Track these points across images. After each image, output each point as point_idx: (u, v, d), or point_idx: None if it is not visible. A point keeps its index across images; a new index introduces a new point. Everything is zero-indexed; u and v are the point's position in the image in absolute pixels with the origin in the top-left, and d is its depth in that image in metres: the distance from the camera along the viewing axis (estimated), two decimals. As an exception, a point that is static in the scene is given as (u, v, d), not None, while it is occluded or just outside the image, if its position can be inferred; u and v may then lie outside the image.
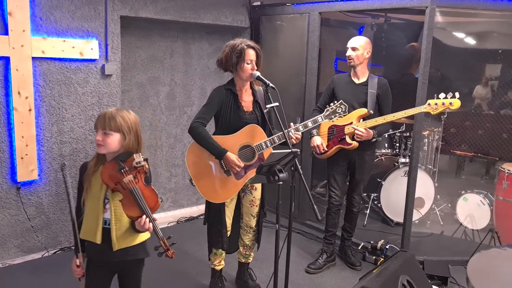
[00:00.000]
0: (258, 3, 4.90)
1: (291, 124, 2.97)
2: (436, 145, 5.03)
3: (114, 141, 2.08)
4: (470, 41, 5.75)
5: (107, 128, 2.06)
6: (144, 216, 2.01)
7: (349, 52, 3.54)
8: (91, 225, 2.11)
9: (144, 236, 2.22)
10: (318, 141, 3.57)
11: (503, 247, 2.99)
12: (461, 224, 4.54)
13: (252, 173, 2.92)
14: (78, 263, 2.17)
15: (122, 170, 2.04)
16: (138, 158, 2.07)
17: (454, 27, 5.53)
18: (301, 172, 2.59)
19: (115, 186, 2.04)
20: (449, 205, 5.00)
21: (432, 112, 3.31)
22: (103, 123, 2.06)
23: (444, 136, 5.22)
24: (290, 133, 2.89)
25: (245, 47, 2.89)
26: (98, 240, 2.09)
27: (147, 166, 2.12)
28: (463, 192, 4.62)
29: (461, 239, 4.45)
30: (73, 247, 2.28)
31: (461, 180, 5.81)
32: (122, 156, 2.09)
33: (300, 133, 2.97)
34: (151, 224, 2.02)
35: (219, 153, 2.85)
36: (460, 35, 5.64)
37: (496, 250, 2.79)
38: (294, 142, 2.90)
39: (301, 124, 2.98)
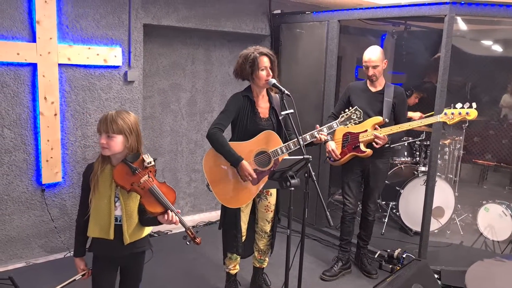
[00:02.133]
0: (279, 11, 4.96)
1: (317, 125, 3.04)
2: (458, 154, 4.96)
3: (117, 143, 2.17)
4: (495, 48, 5.67)
5: (110, 132, 2.15)
6: (169, 211, 2.15)
7: (371, 72, 3.52)
8: (103, 222, 2.21)
9: (148, 229, 2.37)
10: (333, 145, 3.58)
11: (505, 257, 2.95)
12: (481, 234, 4.46)
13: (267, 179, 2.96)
14: (83, 267, 2.34)
15: (136, 171, 2.16)
16: (148, 158, 2.20)
17: (478, 35, 5.46)
18: (314, 178, 2.62)
19: (131, 187, 2.15)
20: (470, 215, 4.92)
21: (448, 122, 3.29)
22: (105, 126, 2.15)
23: (466, 145, 5.15)
24: (315, 134, 2.95)
25: (258, 55, 2.94)
26: (112, 236, 2.20)
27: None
28: (484, 202, 4.54)
29: (480, 249, 4.37)
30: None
31: (483, 190, 5.70)
32: (130, 158, 2.20)
33: (325, 134, 3.00)
34: (176, 217, 2.16)
35: (235, 161, 2.90)
36: (484, 42, 5.57)
37: (498, 260, 2.76)
38: (318, 142, 3.00)
39: (316, 130, 3.00)
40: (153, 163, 2.20)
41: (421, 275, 2.68)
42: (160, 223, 2.24)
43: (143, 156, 2.21)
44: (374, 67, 3.51)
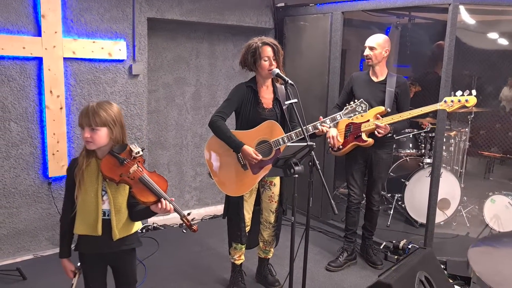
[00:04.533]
0: (282, 4, 4.96)
1: (320, 117, 3.03)
2: (463, 146, 4.94)
3: (102, 136, 2.08)
4: (500, 41, 5.63)
5: (93, 125, 2.05)
6: (163, 200, 2.09)
7: (367, 52, 3.54)
8: (90, 218, 2.12)
9: (138, 226, 2.29)
10: (333, 132, 3.49)
11: (505, 235, 2.96)
12: (487, 225, 4.44)
13: (268, 168, 2.96)
14: (72, 268, 2.24)
15: (124, 162, 2.09)
16: (135, 148, 2.12)
17: (482, 26, 5.42)
18: (318, 167, 2.61)
19: (120, 178, 2.08)
20: (476, 207, 4.90)
21: (447, 110, 3.29)
22: (88, 120, 2.06)
23: (472, 137, 5.12)
24: (318, 125, 2.94)
25: (260, 44, 2.94)
26: (99, 231, 2.12)
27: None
28: (490, 193, 4.52)
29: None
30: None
31: (489, 182, 5.68)
32: (116, 149, 2.12)
33: (328, 125, 2.99)
34: (170, 204, 2.11)
35: (236, 146, 2.92)
36: (488, 35, 5.53)
37: (497, 237, 2.76)
38: (320, 133, 2.99)
39: (319, 121, 2.99)
40: (141, 153, 2.13)
41: (426, 263, 2.67)
42: (152, 215, 2.18)
43: (130, 146, 2.13)
44: (371, 48, 3.51)
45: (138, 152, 2.13)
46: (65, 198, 2.23)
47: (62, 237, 2.24)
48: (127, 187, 2.15)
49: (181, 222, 2.19)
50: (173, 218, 4.66)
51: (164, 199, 2.10)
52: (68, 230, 2.20)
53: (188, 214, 2.22)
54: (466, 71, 5.37)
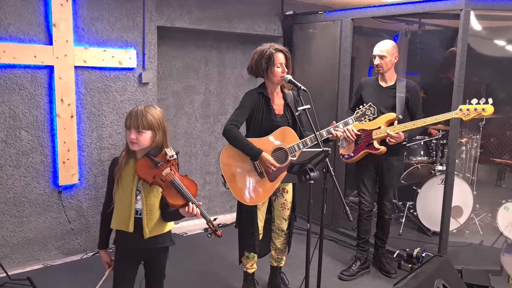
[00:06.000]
0: (291, 12, 4.96)
1: (333, 122, 3.04)
2: (475, 153, 4.89)
3: (146, 138, 2.18)
4: (508, 47, 5.59)
5: (140, 127, 2.15)
6: (190, 203, 2.15)
7: (377, 61, 3.52)
8: (124, 215, 2.23)
9: (170, 226, 2.37)
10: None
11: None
12: (501, 233, 4.37)
13: (284, 175, 2.94)
14: (108, 259, 2.37)
15: (159, 164, 2.17)
16: (170, 152, 2.21)
17: (490, 33, 5.40)
18: (333, 173, 2.59)
19: (153, 180, 2.16)
20: (489, 215, 4.83)
21: (464, 118, 3.23)
22: (136, 122, 2.15)
23: (483, 144, 5.07)
24: (332, 130, 2.94)
25: (274, 51, 2.93)
26: (131, 229, 2.22)
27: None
28: (504, 201, 4.46)
29: (501, 249, 4.28)
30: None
31: (502, 190, 5.61)
32: (153, 152, 2.21)
33: (341, 130, 3.00)
34: (197, 209, 2.17)
35: (254, 154, 2.89)
36: (497, 41, 5.50)
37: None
38: (334, 138, 2.99)
39: (332, 126, 2.99)
40: (175, 156, 2.21)
41: (443, 271, 2.63)
42: (182, 217, 2.24)
43: (165, 149, 2.22)
44: (381, 57, 3.49)
45: (172, 156, 2.21)
46: (106, 193, 2.35)
47: (101, 229, 2.38)
48: (160, 188, 2.21)
49: (206, 227, 2.27)
50: (182, 227, 4.63)
51: (192, 203, 2.16)
52: (106, 224, 2.32)
53: (215, 219, 2.29)
54: (474, 77, 5.33)
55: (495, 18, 4.68)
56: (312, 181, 2.39)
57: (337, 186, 2.55)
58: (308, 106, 2.76)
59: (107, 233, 2.37)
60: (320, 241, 2.64)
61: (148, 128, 2.17)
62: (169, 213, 2.27)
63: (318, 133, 2.76)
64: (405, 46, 6.02)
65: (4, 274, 3.37)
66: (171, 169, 2.19)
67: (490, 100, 3.16)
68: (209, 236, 2.26)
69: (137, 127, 2.16)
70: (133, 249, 2.30)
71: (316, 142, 2.81)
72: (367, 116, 3.04)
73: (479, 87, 5.31)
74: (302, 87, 2.83)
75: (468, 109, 3.21)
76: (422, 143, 4.86)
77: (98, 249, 2.41)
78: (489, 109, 3.17)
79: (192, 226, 4.67)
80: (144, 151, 2.23)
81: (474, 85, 5.27)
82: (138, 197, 2.23)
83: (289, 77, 2.93)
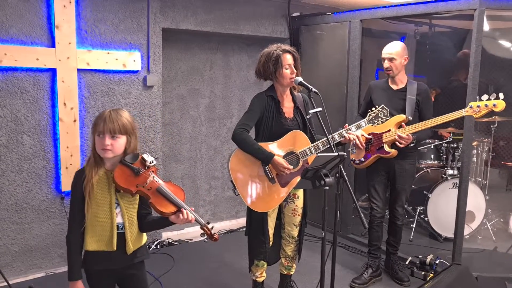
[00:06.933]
0: (298, 13, 4.87)
1: (346, 124, 2.95)
2: (486, 157, 4.78)
3: (121, 144, 2.01)
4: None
5: (116, 132, 1.97)
6: (184, 210, 2.01)
7: (386, 64, 3.41)
8: (104, 233, 2.01)
9: (145, 237, 2.20)
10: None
11: None
12: (516, 239, 4.26)
13: (296, 180, 2.84)
14: None
15: (140, 172, 2.00)
16: (148, 157, 2.04)
17: (501, 34, 5.30)
18: (346, 178, 2.49)
19: (137, 189, 1.99)
20: (501, 220, 4.72)
21: (475, 116, 3.12)
22: (112, 126, 1.96)
23: (494, 147, 4.96)
24: (344, 133, 2.85)
25: (281, 52, 2.83)
26: (114, 246, 2.01)
27: None
28: (517, 206, 4.36)
29: (516, 255, 4.17)
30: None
31: (513, 194, 5.50)
32: (129, 158, 2.02)
33: (354, 133, 2.89)
34: (191, 214, 2.02)
35: (266, 158, 2.78)
36: (506, 42, 5.39)
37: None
38: (346, 141, 2.90)
39: (345, 129, 2.90)
40: (155, 162, 2.05)
41: (463, 280, 2.52)
42: (166, 226, 2.08)
43: (142, 155, 2.04)
44: (390, 59, 3.40)
45: (152, 162, 2.04)
46: (71, 213, 2.05)
47: (73, 256, 2.04)
48: (137, 198, 2.06)
49: (202, 232, 2.12)
50: (188, 233, 4.53)
51: (185, 209, 2.01)
52: (78, 249, 2.04)
53: (208, 223, 2.14)
54: (481, 78, 5.22)
55: (504, 19, 4.59)
56: (327, 187, 2.29)
57: (351, 192, 2.45)
58: (320, 109, 2.66)
59: (80, 260, 2.06)
60: (333, 248, 2.53)
61: (124, 132, 1.99)
62: (150, 222, 2.11)
63: (330, 136, 2.66)
64: (412, 48, 5.91)
65: (5, 283, 3.27)
66: (154, 176, 2.02)
67: (501, 95, 3.04)
68: (206, 241, 2.14)
69: (113, 132, 1.96)
70: (111, 269, 2.08)
71: (328, 145, 2.72)
72: (380, 119, 2.94)
73: (486, 88, 5.20)
74: (314, 89, 2.73)
75: (478, 106, 3.10)
76: (432, 147, 4.75)
77: (71, 281, 2.04)
78: (500, 104, 3.05)
79: (197, 231, 4.56)
80: (114, 160, 2.03)
81: (481, 86, 5.16)
82: (117, 210, 2.03)
83: (300, 79, 2.83)
